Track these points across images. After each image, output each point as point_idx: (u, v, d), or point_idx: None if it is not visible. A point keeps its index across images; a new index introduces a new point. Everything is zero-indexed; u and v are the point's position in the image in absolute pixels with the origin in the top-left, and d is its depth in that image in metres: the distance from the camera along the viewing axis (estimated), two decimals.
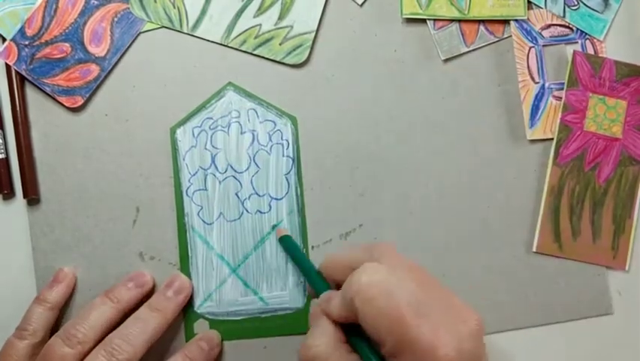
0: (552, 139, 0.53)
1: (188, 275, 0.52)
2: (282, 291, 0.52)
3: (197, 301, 0.52)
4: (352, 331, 0.42)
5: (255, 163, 0.52)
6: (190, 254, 0.52)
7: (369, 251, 0.43)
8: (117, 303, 0.49)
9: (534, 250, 0.53)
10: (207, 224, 0.52)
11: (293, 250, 0.50)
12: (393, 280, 0.40)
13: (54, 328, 0.50)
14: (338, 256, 0.46)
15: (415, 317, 0.38)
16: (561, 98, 0.54)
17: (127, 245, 0.52)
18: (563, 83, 0.54)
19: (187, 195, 0.52)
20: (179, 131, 0.53)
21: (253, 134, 0.53)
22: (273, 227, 0.52)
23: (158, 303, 0.49)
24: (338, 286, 0.44)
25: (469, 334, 0.39)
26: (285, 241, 0.51)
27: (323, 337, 0.42)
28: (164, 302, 0.50)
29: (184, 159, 0.52)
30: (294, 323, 0.52)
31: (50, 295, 0.50)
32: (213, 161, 0.52)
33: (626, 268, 0.53)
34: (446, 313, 0.40)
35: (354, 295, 0.40)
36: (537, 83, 0.54)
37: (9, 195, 0.52)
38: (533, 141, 0.54)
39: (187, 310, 0.52)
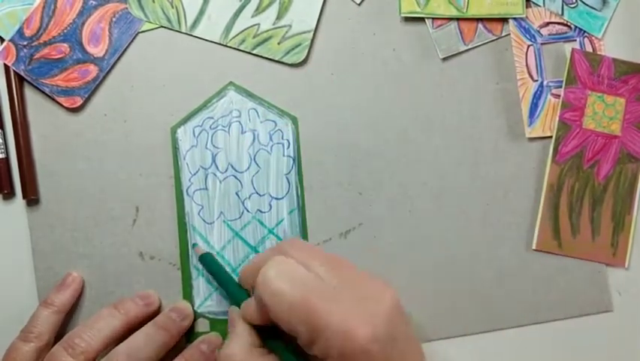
0: (551, 137, 0.54)
1: (189, 274, 0.52)
2: None
3: (198, 301, 0.52)
4: (270, 333, 0.43)
5: (256, 163, 0.52)
6: (190, 253, 0.52)
7: (277, 249, 0.44)
8: (124, 315, 0.49)
9: (534, 247, 0.53)
10: (208, 223, 0.52)
11: (211, 267, 0.50)
12: (300, 269, 0.41)
13: (60, 333, 0.50)
14: (250, 262, 0.47)
15: (325, 302, 0.39)
16: (560, 96, 0.54)
17: (127, 245, 0.52)
18: (562, 81, 0.54)
19: (187, 194, 0.52)
20: (179, 130, 0.53)
21: (254, 134, 0.53)
22: (193, 245, 0.52)
23: (164, 322, 0.49)
24: None
25: (383, 313, 0.39)
26: (204, 259, 0.51)
27: (237, 344, 0.43)
28: (169, 322, 0.49)
29: (184, 159, 0.52)
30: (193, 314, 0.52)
31: (57, 299, 0.50)
32: (214, 160, 0.52)
33: (626, 265, 0.53)
34: (359, 295, 0.40)
35: (262, 291, 0.40)
36: (536, 81, 0.54)
37: (9, 194, 0.52)
38: (532, 139, 0.54)
39: None
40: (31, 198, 0.52)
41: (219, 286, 0.50)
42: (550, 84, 0.54)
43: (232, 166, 0.52)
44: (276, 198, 0.52)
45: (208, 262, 0.50)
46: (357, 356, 0.38)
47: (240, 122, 0.53)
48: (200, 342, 0.50)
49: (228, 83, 0.53)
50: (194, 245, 0.52)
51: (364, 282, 0.42)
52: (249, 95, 0.53)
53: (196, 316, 0.52)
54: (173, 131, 0.53)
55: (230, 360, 0.42)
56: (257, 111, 0.53)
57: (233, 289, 0.48)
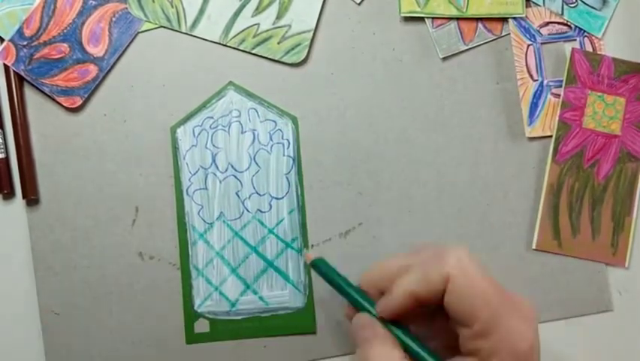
0: (551, 136, 0.53)
1: (188, 274, 0.52)
2: (283, 291, 0.52)
3: (198, 301, 0.52)
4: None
5: (256, 163, 0.52)
6: (190, 253, 0.52)
7: (424, 252, 0.43)
8: None
9: (534, 247, 0.53)
10: (208, 223, 0.52)
11: (327, 273, 0.47)
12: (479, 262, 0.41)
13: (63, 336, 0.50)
14: (387, 262, 0.45)
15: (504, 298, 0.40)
16: (560, 95, 0.54)
17: (126, 245, 0.52)
18: (562, 81, 0.54)
19: (187, 194, 0.52)
20: (179, 130, 0.52)
21: (254, 134, 0.53)
22: (299, 250, 0.52)
23: None
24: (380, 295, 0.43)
25: (535, 324, 0.40)
26: (317, 267, 0.47)
27: (383, 345, 0.42)
28: None
29: (184, 159, 0.52)
30: (294, 323, 0.52)
31: None
32: (214, 160, 0.52)
33: (626, 264, 0.53)
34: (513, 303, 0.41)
35: (451, 269, 0.40)
36: (536, 80, 0.54)
37: (9, 194, 0.52)
38: (532, 139, 0.54)
39: (187, 309, 0.52)
40: (31, 198, 0.51)
41: (338, 291, 0.46)
42: (551, 84, 0.54)
43: (232, 166, 0.52)
44: (276, 198, 0.52)
45: (322, 267, 0.47)
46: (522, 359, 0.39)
47: (239, 121, 0.53)
48: None
49: (228, 82, 0.53)
50: (300, 250, 0.52)
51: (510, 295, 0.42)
52: (249, 94, 0.53)
53: (196, 316, 0.52)
54: (173, 131, 0.53)
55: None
56: (257, 111, 0.53)
57: (358, 293, 0.45)
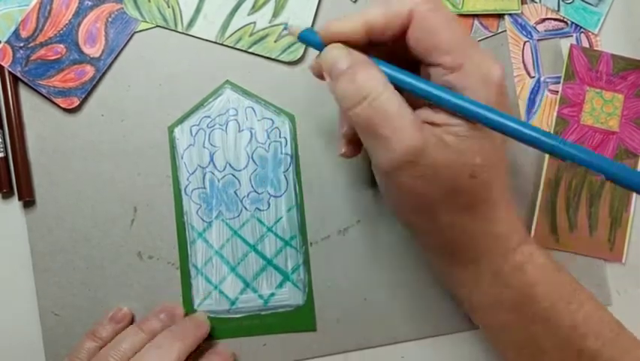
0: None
1: (188, 274, 0.52)
2: (282, 288, 0.52)
3: (197, 300, 0.52)
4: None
5: (254, 161, 0.52)
6: (189, 253, 0.52)
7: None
8: (149, 335, 0.49)
9: None
10: (206, 222, 0.52)
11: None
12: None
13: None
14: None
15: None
16: (557, 92, 0.54)
17: (125, 245, 0.52)
18: (559, 77, 0.54)
19: (186, 193, 0.52)
20: (177, 130, 0.52)
21: (251, 132, 0.53)
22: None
23: (180, 332, 0.49)
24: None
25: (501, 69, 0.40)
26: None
27: (374, 71, 0.40)
28: (183, 332, 0.49)
29: (182, 158, 0.52)
30: (293, 321, 0.52)
31: (106, 333, 0.50)
32: (212, 159, 0.52)
33: (623, 260, 0.53)
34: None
35: (416, 4, 0.40)
36: (532, 77, 0.54)
37: (8, 193, 0.52)
38: None
39: (187, 308, 0.52)
40: (27, 199, 0.51)
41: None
42: (547, 80, 0.54)
43: (230, 165, 0.52)
44: (275, 196, 0.52)
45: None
46: (493, 89, 0.39)
47: (237, 120, 0.53)
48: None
49: (225, 81, 0.53)
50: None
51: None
52: (246, 93, 0.53)
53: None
54: (171, 130, 0.53)
55: (369, 83, 0.39)
56: (254, 109, 0.53)
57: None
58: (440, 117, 0.40)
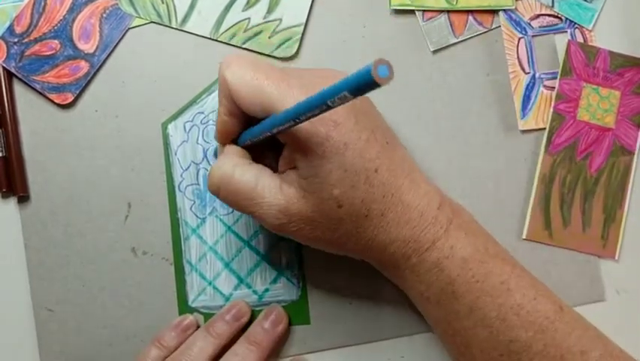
0: (544, 129, 0.53)
1: (182, 270, 0.52)
2: (276, 284, 0.52)
3: (192, 296, 0.52)
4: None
5: None
6: (183, 249, 0.52)
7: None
8: (217, 338, 0.49)
9: (524, 237, 0.53)
10: (200, 218, 0.52)
11: None
12: (252, 59, 0.43)
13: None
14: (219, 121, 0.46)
15: (278, 85, 0.41)
16: (552, 88, 0.54)
17: (119, 240, 0.52)
18: (554, 73, 0.54)
19: (179, 190, 0.52)
20: (170, 126, 0.53)
21: None
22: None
23: (255, 336, 0.50)
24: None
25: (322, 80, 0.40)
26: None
27: (226, 158, 0.44)
28: (260, 335, 0.50)
29: (176, 154, 0.52)
30: (288, 315, 0.52)
31: (171, 341, 0.50)
32: (205, 155, 0.52)
33: (616, 257, 0.53)
34: (309, 81, 0.42)
35: (223, 73, 0.42)
36: (527, 73, 0.54)
37: (8, 193, 0.52)
38: (525, 131, 0.54)
39: (181, 304, 0.52)
40: (21, 195, 0.52)
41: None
42: (542, 76, 0.54)
43: None
44: None
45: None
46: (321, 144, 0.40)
47: None
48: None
49: (217, 78, 0.53)
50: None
51: (314, 71, 0.44)
52: None
53: (190, 311, 0.52)
54: (164, 127, 0.53)
55: (220, 172, 0.43)
56: None
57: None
58: (291, 162, 0.42)
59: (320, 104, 0.33)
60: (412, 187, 0.43)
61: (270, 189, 0.42)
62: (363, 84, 0.29)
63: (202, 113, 0.53)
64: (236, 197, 0.43)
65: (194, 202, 0.52)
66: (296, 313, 0.52)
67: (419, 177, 0.45)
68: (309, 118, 0.35)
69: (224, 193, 0.43)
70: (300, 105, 0.35)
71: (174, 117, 0.53)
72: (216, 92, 0.53)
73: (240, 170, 0.43)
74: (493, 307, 0.42)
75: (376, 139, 0.42)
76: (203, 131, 0.52)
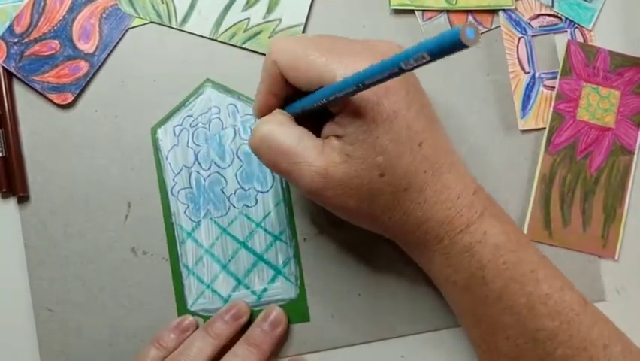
0: (544, 129, 0.53)
1: (179, 273, 0.52)
2: (274, 283, 0.52)
3: (190, 300, 0.52)
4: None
5: (239, 158, 0.52)
6: (179, 253, 0.52)
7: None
8: (216, 339, 0.49)
9: None
10: (195, 222, 0.52)
11: None
12: (298, 37, 0.45)
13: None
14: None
15: (326, 52, 0.41)
16: (552, 87, 0.53)
17: (119, 240, 0.52)
18: (554, 73, 0.54)
19: (172, 194, 0.52)
20: (160, 130, 0.53)
21: (234, 129, 0.52)
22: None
23: (255, 338, 0.50)
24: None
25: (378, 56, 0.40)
26: None
27: (272, 117, 0.45)
28: (260, 337, 0.50)
29: (167, 159, 0.52)
30: (287, 314, 0.52)
31: (171, 341, 0.50)
32: (196, 158, 0.52)
33: (616, 256, 0.53)
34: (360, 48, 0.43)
35: (273, 53, 0.43)
36: (527, 73, 0.54)
37: (7, 193, 0.53)
38: (525, 131, 0.54)
39: (180, 308, 0.52)
40: (21, 195, 0.52)
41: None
42: (542, 76, 0.54)
43: (215, 163, 0.52)
44: (262, 192, 0.52)
45: None
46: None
47: (219, 118, 0.53)
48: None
49: (205, 80, 0.53)
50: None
51: (365, 42, 0.44)
52: (227, 90, 0.53)
53: (190, 314, 0.52)
54: (154, 131, 0.53)
55: (265, 127, 0.44)
56: (236, 106, 0.53)
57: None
58: (338, 129, 0.42)
59: (391, 68, 0.33)
60: (452, 169, 0.43)
61: (312, 149, 0.42)
62: (448, 45, 0.29)
63: (191, 116, 0.53)
64: (277, 154, 0.43)
65: (188, 206, 0.52)
66: (295, 311, 0.52)
67: (458, 160, 0.45)
68: (375, 84, 0.36)
69: (265, 149, 0.43)
70: (368, 70, 0.35)
71: (163, 122, 0.53)
72: (203, 95, 0.53)
73: (284, 128, 0.43)
74: (522, 294, 0.42)
75: (424, 114, 0.43)
76: (193, 134, 0.52)
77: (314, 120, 0.44)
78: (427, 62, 0.31)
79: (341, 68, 0.40)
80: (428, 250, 0.45)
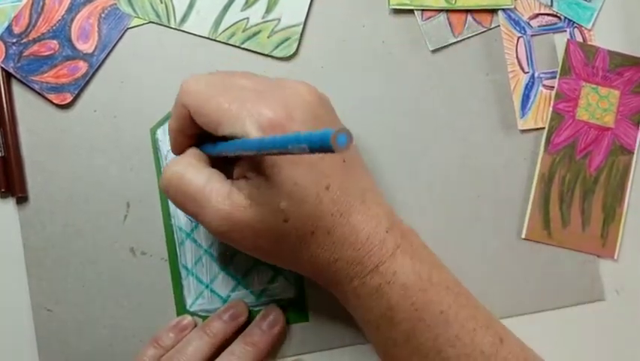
0: (543, 128, 0.53)
1: (178, 274, 0.52)
2: (273, 283, 0.52)
3: (189, 300, 0.52)
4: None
5: None
6: (179, 253, 0.52)
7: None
8: (213, 338, 0.49)
9: (523, 236, 0.53)
10: (194, 222, 0.52)
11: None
12: (210, 77, 0.44)
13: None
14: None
15: (226, 96, 0.41)
16: (551, 87, 0.53)
17: (118, 240, 0.52)
18: (553, 72, 0.54)
19: None
20: (159, 131, 0.52)
21: None
22: None
23: (253, 337, 0.50)
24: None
25: (295, 100, 0.41)
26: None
27: (182, 158, 0.44)
28: (258, 336, 0.50)
29: (166, 159, 0.52)
30: (286, 314, 0.52)
31: (169, 341, 0.50)
32: None
33: (615, 256, 0.53)
34: (271, 93, 0.42)
35: (182, 97, 0.43)
36: (527, 72, 0.54)
37: (6, 193, 0.52)
38: (524, 131, 0.54)
39: (179, 309, 0.52)
40: (20, 195, 0.52)
41: None
42: (542, 76, 0.54)
43: None
44: None
45: None
46: (266, 126, 0.39)
47: None
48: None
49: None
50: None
51: (278, 82, 0.44)
52: None
53: (189, 315, 0.52)
54: (153, 132, 0.53)
55: (172, 169, 0.43)
56: None
57: None
58: (247, 171, 0.42)
59: (280, 147, 0.33)
60: (362, 208, 0.42)
61: (217, 194, 0.41)
62: (320, 147, 0.29)
63: None
64: (184, 197, 0.43)
65: None
66: (294, 311, 0.52)
67: (372, 197, 0.44)
68: (270, 155, 0.36)
69: (173, 192, 0.43)
70: (263, 142, 0.35)
71: (162, 122, 0.52)
72: None
73: (192, 170, 0.43)
74: (430, 336, 0.41)
75: (332, 156, 0.41)
76: None
77: (231, 158, 0.44)
78: (308, 153, 0.30)
79: (244, 115, 0.40)
80: (341, 289, 0.44)
